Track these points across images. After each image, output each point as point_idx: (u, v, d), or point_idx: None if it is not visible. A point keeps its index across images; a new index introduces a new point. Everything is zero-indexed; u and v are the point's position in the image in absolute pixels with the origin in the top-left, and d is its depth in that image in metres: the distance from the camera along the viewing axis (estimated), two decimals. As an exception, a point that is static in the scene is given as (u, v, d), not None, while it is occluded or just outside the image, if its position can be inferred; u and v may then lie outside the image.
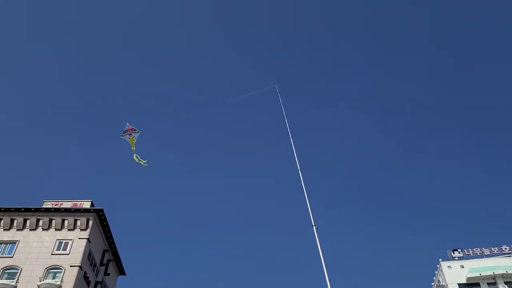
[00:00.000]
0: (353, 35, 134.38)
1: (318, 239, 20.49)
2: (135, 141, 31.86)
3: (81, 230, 42.91)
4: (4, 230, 42.43)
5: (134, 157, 31.79)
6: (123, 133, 32.03)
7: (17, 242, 41.64)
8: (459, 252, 54.33)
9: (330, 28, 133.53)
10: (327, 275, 18.51)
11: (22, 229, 42.61)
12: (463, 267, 52.80)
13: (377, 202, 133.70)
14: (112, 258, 49.50)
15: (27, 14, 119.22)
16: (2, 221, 42.77)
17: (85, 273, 41.51)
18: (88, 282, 42.21)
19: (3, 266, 39.57)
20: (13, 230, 42.50)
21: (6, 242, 41.68)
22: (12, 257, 40.43)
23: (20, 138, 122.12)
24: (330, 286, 17.98)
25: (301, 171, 25.42)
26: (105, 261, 47.37)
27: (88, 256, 42.73)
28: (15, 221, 42.87)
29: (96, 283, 44.73)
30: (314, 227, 21.21)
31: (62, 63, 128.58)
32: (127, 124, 32.20)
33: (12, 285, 38.24)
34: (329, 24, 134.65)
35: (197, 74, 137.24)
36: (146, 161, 31.98)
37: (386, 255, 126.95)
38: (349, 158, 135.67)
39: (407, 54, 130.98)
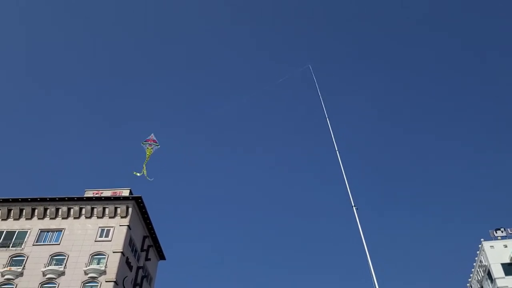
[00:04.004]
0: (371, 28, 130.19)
1: (359, 220, 20.25)
2: (152, 152, 32.36)
3: (122, 217, 44.56)
4: (51, 219, 44.69)
5: (144, 171, 31.99)
6: (144, 142, 32.70)
7: (63, 230, 43.81)
8: (502, 231, 52.44)
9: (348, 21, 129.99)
10: (369, 256, 18.34)
11: (67, 218, 44.72)
12: (506, 247, 51.01)
13: (418, 182, 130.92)
14: (152, 243, 51.16)
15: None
16: (49, 210, 45.02)
17: (127, 258, 43.17)
18: (130, 267, 43.93)
19: (51, 253, 41.82)
20: (58, 219, 44.69)
21: (53, 230, 43.95)
22: (59, 244, 42.63)
23: (64, 132, 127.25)
24: (372, 266, 17.91)
25: (339, 152, 25.16)
26: (145, 247, 49.05)
27: (129, 242, 44.36)
28: (60, 210, 45.04)
29: (138, 268, 46.50)
30: (354, 207, 20.94)
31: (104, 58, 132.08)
32: (152, 135, 33.11)
33: (61, 270, 40.43)
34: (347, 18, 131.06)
35: (218, 64, 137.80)
36: (151, 178, 32.15)
37: (427, 236, 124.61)
38: (387, 138, 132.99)
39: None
